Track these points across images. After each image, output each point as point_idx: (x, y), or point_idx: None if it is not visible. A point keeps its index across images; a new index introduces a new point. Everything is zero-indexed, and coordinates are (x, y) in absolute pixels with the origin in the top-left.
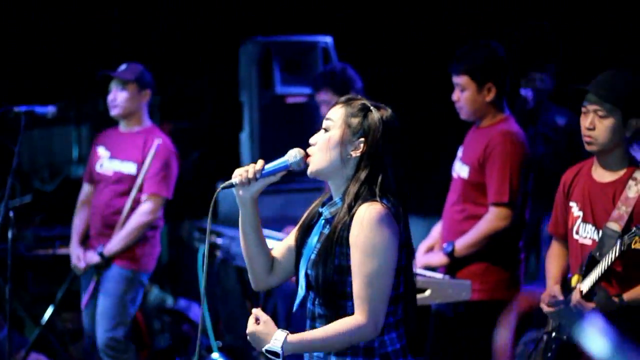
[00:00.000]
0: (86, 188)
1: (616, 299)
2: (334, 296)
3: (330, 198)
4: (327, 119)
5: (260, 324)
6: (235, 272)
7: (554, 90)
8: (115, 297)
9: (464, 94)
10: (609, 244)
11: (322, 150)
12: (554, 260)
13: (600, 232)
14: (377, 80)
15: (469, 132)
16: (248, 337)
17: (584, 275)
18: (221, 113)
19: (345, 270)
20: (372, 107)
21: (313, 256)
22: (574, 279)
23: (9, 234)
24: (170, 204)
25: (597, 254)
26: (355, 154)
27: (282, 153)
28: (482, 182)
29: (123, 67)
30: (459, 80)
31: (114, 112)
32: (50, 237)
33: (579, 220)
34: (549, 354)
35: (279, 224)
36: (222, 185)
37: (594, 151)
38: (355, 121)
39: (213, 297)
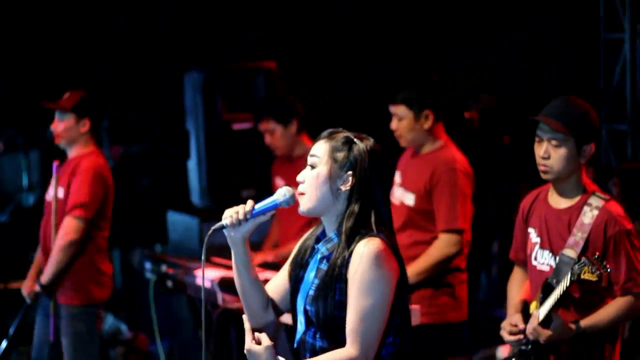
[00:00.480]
0: None
1: (573, 326)
2: (335, 331)
3: (323, 233)
4: (312, 155)
5: (262, 347)
6: (187, 301)
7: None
8: (72, 336)
9: (401, 123)
10: (565, 271)
11: (311, 188)
12: (514, 286)
13: (557, 258)
14: (322, 105)
15: (404, 156)
16: (246, 352)
17: (541, 302)
18: (169, 140)
19: (345, 306)
20: (355, 139)
21: (312, 292)
22: (532, 306)
23: None
24: (121, 231)
25: (554, 280)
26: (345, 187)
27: (230, 179)
28: (430, 209)
29: (66, 95)
30: (396, 109)
31: (55, 141)
32: (1, 272)
33: (537, 247)
34: None
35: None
36: (213, 227)
37: (549, 179)
38: (340, 155)
39: (166, 327)
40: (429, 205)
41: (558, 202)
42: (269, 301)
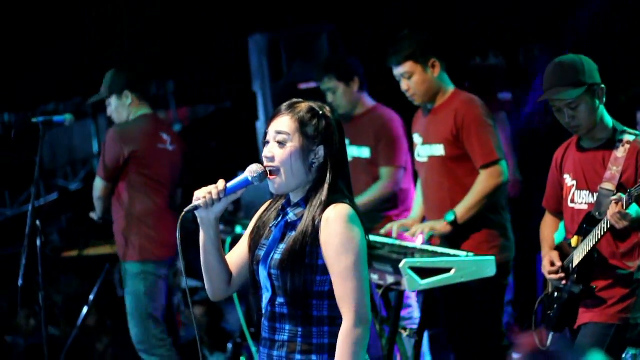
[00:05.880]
0: None
1: None
2: (301, 295)
3: (288, 202)
4: (279, 132)
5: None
6: None
7: None
8: (131, 295)
9: (413, 80)
10: (606, 203)
11: (285, 166)
12: (546, 228)
13: (596, 195)
14: (380, 67)
15: (417, 119)
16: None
17: (584, 234)
18: (236, 103)
19: (315, 269)
20: (319, 110)
21: (277, 256)
22: (574, 240)
23: (38, 242)
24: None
25: (597, 213)
26: (319, 161)
27: None
28: (461, 153)
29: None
30: (403, 69)
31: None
32: (77, 238)
33: (574, 189)
34: (550, 313)
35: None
36: (185, 210)
37: (583, 134)
38: (310, 130)
39: (242, 288)
40: (460, 149)
41: (590, 144)
42: (231, 276)
